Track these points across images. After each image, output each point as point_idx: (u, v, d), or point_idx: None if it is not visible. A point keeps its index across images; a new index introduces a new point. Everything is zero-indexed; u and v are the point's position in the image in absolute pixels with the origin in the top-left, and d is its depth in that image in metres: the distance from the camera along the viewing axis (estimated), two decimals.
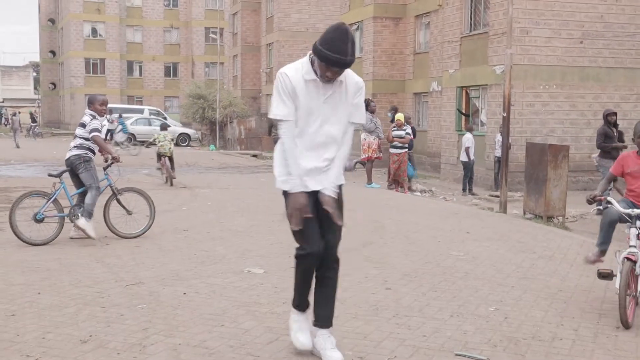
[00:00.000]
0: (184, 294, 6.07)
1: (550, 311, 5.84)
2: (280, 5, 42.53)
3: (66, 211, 8.54)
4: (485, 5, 22.94)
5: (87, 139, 8.70)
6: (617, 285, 5.52)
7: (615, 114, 14.64)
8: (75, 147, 8.81)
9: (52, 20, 72.34)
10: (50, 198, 8.48)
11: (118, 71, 62.46)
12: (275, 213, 11.20)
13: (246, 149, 37.26)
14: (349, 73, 4.43)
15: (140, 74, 64.65)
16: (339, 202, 4.43)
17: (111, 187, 9.01)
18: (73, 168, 8.76)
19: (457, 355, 4.65)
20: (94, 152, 8.87)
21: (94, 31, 62.15)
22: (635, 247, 5.70)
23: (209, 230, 9.65)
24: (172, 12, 65.10)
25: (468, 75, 23.72)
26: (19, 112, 44.20)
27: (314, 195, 4.38)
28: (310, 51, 4.30)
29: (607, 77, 22.25)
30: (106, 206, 9.04)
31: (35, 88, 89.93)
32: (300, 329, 4.56)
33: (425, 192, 18.63)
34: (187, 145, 40.24)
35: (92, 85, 60.58)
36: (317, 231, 4.36)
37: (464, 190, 19.01)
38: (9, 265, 7.13)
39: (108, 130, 33.42)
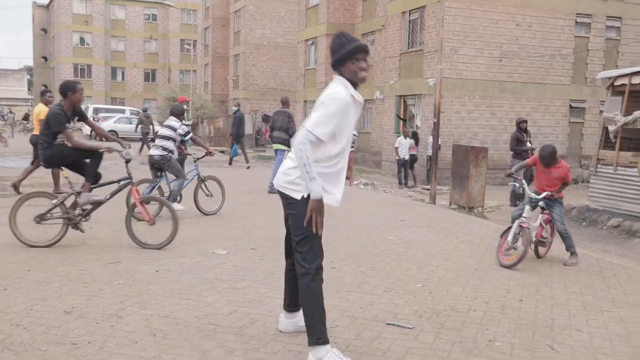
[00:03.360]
0: (157, 271, 6.04)
1: (468, 287, 5.95)
2: (246, 22, 42.24)
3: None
4: (421, 27, 23.13)
5: (170, 139, 9.27)
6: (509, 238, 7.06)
7: (525, 121, 14.94)
8: (161, 147, 9.29)
9: (44, 30, 70.78)
10: (155, 185, 9.19)
11: (103, 76, 61.49)
12: (241, 202, 11.19)
13: (215, 146, 36.94)
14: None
15: (123, 78, 63.70)
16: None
17: (199, 176, 9.84)
18: (156, 164, 9.34)
19: (387, 324, 4.71)
20: (173, 152, 9.36)
21: (82, 40, 61.02)
22: (526, 217, 7.14)
23: (182, 216, 9.57)
24: (152, 25, 64.26)
25: (406, 86, 23.91)
26: (12, 111, 43.19)
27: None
28: (340, 77, 3.86)
29: (521, 90, 22.66)
30: (196, 191, 9.84)
31: (28, 89, 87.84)
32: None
33: (367, 185, 18.75)
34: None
35: None
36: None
37: (400, 183, 19.20)
38: (1, 245, 6.98)
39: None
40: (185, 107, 12.83)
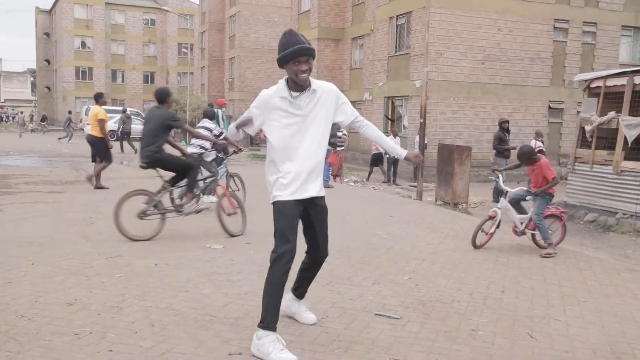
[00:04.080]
0: (156, 265, 6.03)
1: (452, 279, 5.96)
2: (241, 26, 42.15)
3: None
4: (408, 31, 23.16)
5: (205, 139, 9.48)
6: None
7: (507, 121, 15.00)
8: (198, 145, 9.76)
9: (47, 34, 70.34)
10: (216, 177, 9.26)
11: (104, 78, 61.16)
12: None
13: None
14: (318, 83, 3.95)
15: (123, 80, 63.43)
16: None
17: (227, 172, 10.26)
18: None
19: (376, 315, 4.72)
20: (206, 149, 9.78)
21: (83, 44, 60.67)
22: (499, 208, 7.69)
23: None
24: (150, 30, 64.01)
25: (393, 88, 23.95)
26: (22, 112, 43.06)
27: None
28: (286, 76, 3.88)
29: (503, 91, 22.75)
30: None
31: (32, 91, 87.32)
32: (282, 349, 3.75)
33: (357, 183, 18.75)
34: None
35: (81, 89, 59.29)
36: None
37: (388, 181, 19.22)
38: (7, 240, 6.96)
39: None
40: (223, 109, 13.88)
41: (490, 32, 22.24)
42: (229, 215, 7.82)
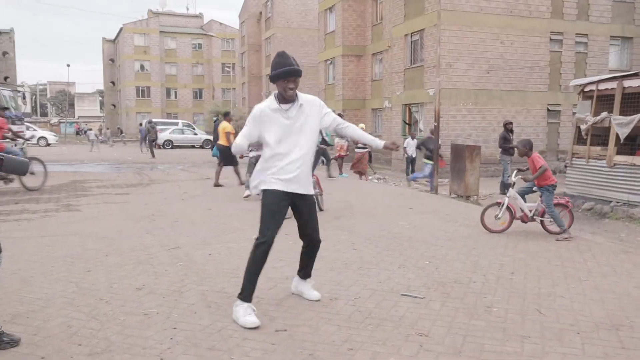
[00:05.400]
0: (210, 254, 6.07)
1: (467, 263, 5.89)
2: (275, 47, 42.25)
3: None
4: (421, 47, 22.98)
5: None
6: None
7: (511, 123, 14.76)
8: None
9: (112, 60, 71.52)
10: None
11: (159, 95, 61.99)
12: None
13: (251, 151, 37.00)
14: (304, 97, 4.06)
15: (175, 97, 64.15)
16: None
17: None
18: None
19: (402, 295, 4.68)
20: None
21: (142, 67, 61.57)
22: (508, 197, 7.65)
23: (227, 209, 9.64)
24: (198, 52, 64.63)
25: (410, 96, 23.78)
26: (91, 129, 43.77)
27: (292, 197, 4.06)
28: (275, 92, 4.04)
29: (507, 97, 22.43)
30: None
31: (100, 108, 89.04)
32: (250, 314, 3.92)
33: (380, 180, 18.67)
34: (210, 148, 39.87)
35: (141, 106, 60.29)
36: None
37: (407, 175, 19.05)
38: (84, 235, 7.10)
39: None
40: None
41: (493, 45, 21.93)
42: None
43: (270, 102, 4.03)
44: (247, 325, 3.83)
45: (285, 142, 3.98)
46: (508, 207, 7.56)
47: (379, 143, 4.37)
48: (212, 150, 22.42)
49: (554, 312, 4.35)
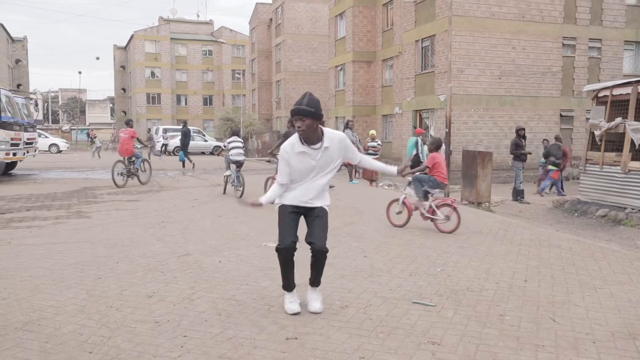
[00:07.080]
0: (220, 261, 6.08)
1: (480, 270, 5.85)
2: (285, 53, 42.46)
3: None
4: (432, 52, 22.95)
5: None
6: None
7: (523, 129, 14.72)
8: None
9: (123, 67, 72.18)
10: None
11: (170, 102, 62.34)
12: None
13: (261, 157, 37.17)
14: (331, 135, 4.24)
15: (186, 103, 64.43)
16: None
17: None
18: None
19: (414, 302, 4.66)
20: None
21: (153, 74, 61.99)
22: (405, 194, 8.76)
23: (236, 216, 9.65)
24: (208, 59, 64.94)
25: (420, 102, 23.73)
26: (96, 136, 44.06)
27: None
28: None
29: (518, 102, 22.32)
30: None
31: (111, 115, 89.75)
32: (292, 302, 4.40)
33: (390, 186, 18.61)
34: (219, 155, 40.00)
35: (152, 112, 60.70)
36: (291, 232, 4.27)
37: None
38: (95, 242, 7.14)
39: (163, 145, 33.43)
40: (420, 137, 14.45)
41: (505, 50, 21.86)
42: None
43: (295, 142, 4.20)
44: (287, 312, 4.32)
45: (308, 175, 4.25)
46: (404, 203, 8.54)
47: (392, 170, 4.70)
48: (179, 155, 23.22)
49: (568, 320, 4.30)
